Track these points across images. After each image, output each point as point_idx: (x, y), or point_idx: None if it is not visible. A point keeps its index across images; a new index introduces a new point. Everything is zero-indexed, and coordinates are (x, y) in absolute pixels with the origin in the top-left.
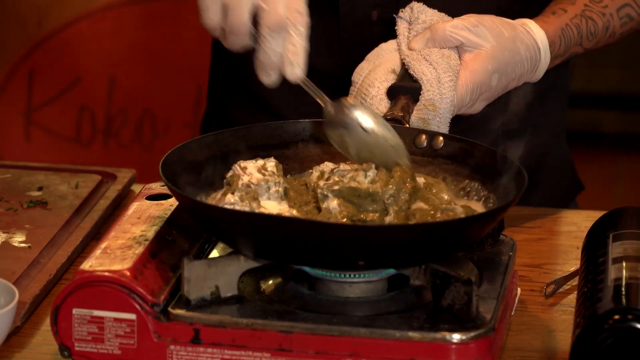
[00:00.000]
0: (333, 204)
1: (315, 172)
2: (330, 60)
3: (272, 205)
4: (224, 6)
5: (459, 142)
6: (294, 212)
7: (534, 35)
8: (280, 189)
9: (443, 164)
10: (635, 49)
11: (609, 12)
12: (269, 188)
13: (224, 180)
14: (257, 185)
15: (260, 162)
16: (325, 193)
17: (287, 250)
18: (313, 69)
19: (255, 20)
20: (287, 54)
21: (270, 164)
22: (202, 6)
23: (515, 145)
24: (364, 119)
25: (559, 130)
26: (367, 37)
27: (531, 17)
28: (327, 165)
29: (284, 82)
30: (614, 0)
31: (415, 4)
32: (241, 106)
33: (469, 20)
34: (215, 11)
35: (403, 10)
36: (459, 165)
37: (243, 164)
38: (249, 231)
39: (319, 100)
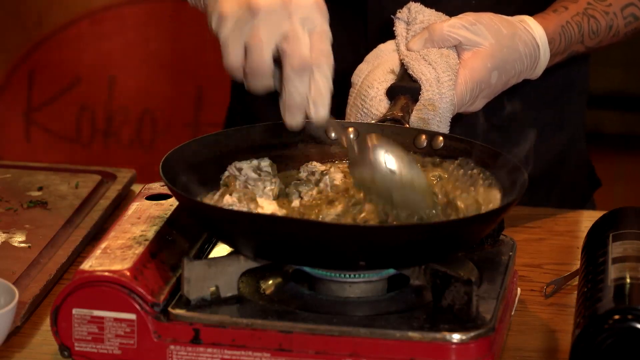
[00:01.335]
0: (296, 203)
1: (302, 172)
2: (356, 66)
3: (266, 204)
4: (245, 46)
5: (459, 142)
6: (284, 212)
7: (532, 32)
8: (276, 189)
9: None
10: (637, 49)
11: (613, 11)
12: (264, 188)
13: (220, 182)
14: (254, 186)
15: (255, 162)
16: (294, 191)
17: (287, 250)
18: (339, 75)
19: (278, 62)
20: (312, 95)
21: (265, 163)
22: (224, 47)
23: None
24: (389, 160)
25: (578, 129)
26: None
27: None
28: (315, 165)
29: None
30: None
31: (412, 4)
32: (265, 101)
33: (466, 18)
34: (237, 52)
35: (400, 10)
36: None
37: (238, 164)
38: (250, 231)
39: (343, 139)
